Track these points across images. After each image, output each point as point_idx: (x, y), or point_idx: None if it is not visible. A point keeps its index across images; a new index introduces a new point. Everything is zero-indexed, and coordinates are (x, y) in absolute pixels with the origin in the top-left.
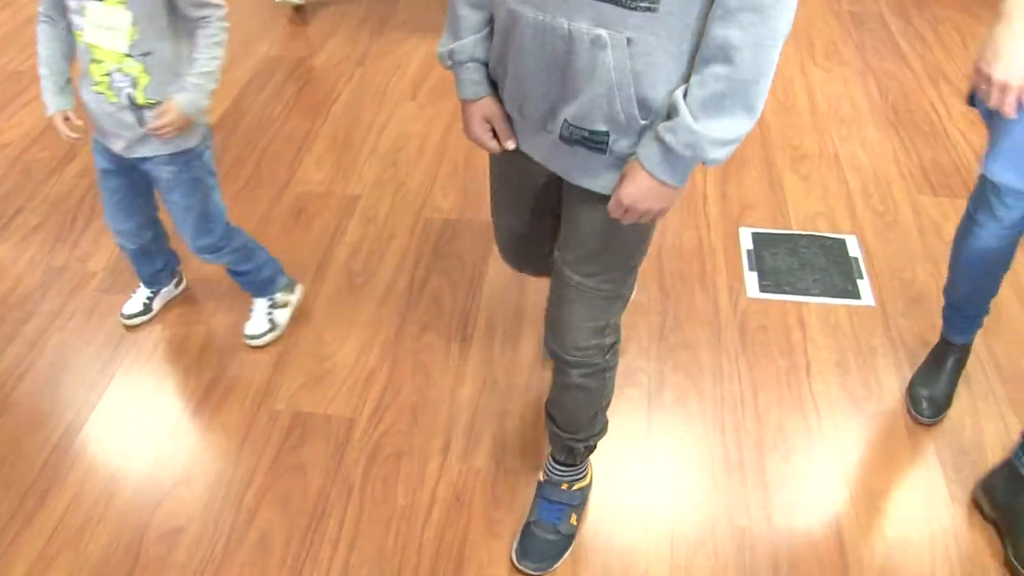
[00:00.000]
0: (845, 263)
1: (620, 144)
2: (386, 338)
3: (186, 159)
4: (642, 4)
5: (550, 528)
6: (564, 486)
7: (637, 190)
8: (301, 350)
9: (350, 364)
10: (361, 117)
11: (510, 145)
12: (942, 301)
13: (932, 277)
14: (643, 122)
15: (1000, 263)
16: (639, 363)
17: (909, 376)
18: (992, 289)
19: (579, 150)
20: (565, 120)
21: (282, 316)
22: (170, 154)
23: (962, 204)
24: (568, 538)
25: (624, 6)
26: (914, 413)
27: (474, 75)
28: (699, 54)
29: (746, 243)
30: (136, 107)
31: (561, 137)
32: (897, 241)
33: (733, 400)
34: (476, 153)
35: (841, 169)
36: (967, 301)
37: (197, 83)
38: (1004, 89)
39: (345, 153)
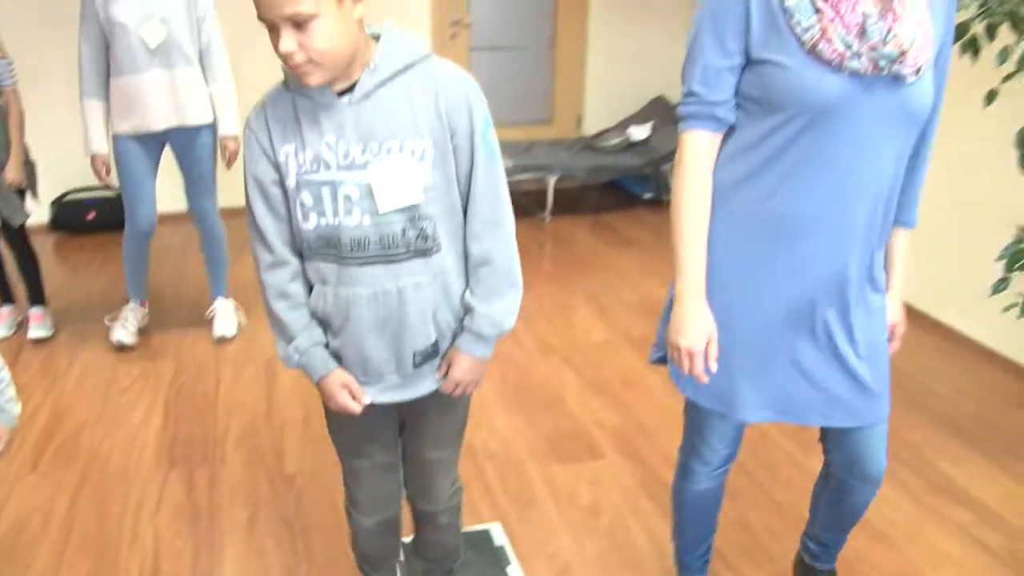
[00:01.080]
0: (492, 554)
1: (444, 345)
2: None
3: None
4: (434, 248)
5: None
6: None
7: (463, 370)
8: None
9: None
10: None
11: (367, 400)
12: (586, 569)
13: (575, 543)
14: (455, 324)
15: (718, 500)
16: None
17: None
18: (714, 525)
19: (423, 367)
20: (414, 353)
21: None
22: None
23: (589, 465)
24: None
25: (427, 255)
26: None
27: (321, 354)
28: (469, 264)
29: None
30: None
31: (414, 367)
32: (537, 519)
33: None
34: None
35: (477, 461)
36: (698, 541)
37: None
38: (691, 355)
39: None
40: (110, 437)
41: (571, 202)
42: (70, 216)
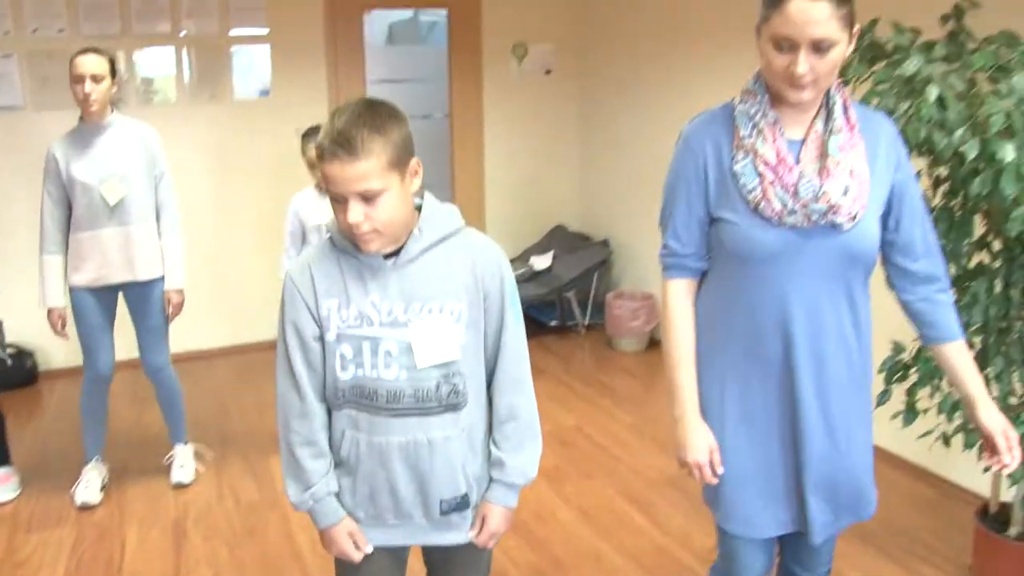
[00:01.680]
0: None
1: (473, 497)
2: None
3: None
4: (463, 403)
5: None
6: None
7: (497, 522)
8: None
9: None
10: None
11: (369, 549)
12: None
13: None
14: (482, 476)
15: None
16: None
17: None
18: None
19: (452, 516)
20: (441, 500)
21: None
22: None
23: None
24: None
25: (457, 409)
26: None
27: (333, 504)
28: (495, 417)
29: None
30: None
31: (441, 513)
32: None
33: None
34: None
35: None
36: None
37: None
38: (699, 467)
39: None
40: None
41: None
42: None
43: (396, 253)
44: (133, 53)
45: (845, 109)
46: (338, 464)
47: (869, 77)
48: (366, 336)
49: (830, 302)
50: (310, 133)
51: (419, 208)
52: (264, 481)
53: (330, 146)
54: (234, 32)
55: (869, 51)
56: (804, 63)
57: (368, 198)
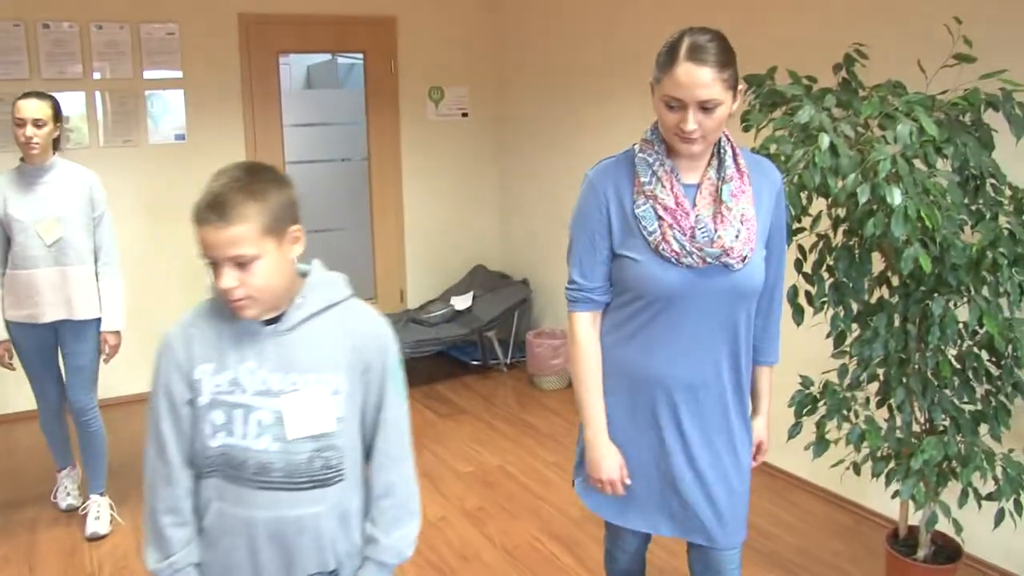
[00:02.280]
0: None
1: (344, 573)
2: None
3: None
4: (336, 478)
5: None
6: None
7: None
8: None
9: None
10: None
11: None
12: None
13: None
14: (354, 553)
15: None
16: None
17: None
18: None
19: None
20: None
21: None
22: None
23: None
24: None
25: (328, 485)
26: None
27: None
28: (372, 494)
29: None
30: None
31: None
32: None
33: None
34: None
35: None
36: None
37: None
38: (611, 483)
39: None
40: None
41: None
42: None
43: (277, 320)
44: None
45: (735, 157)
46: (200, 532)
47: (768, 124)
48: (238, 403)
49: (713, 335)
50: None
51: (305, 275)
52: None
53: (203, 211)
54: (148, 75)
55: (769, 98)
56: (692, 121)
57: (242, 264)
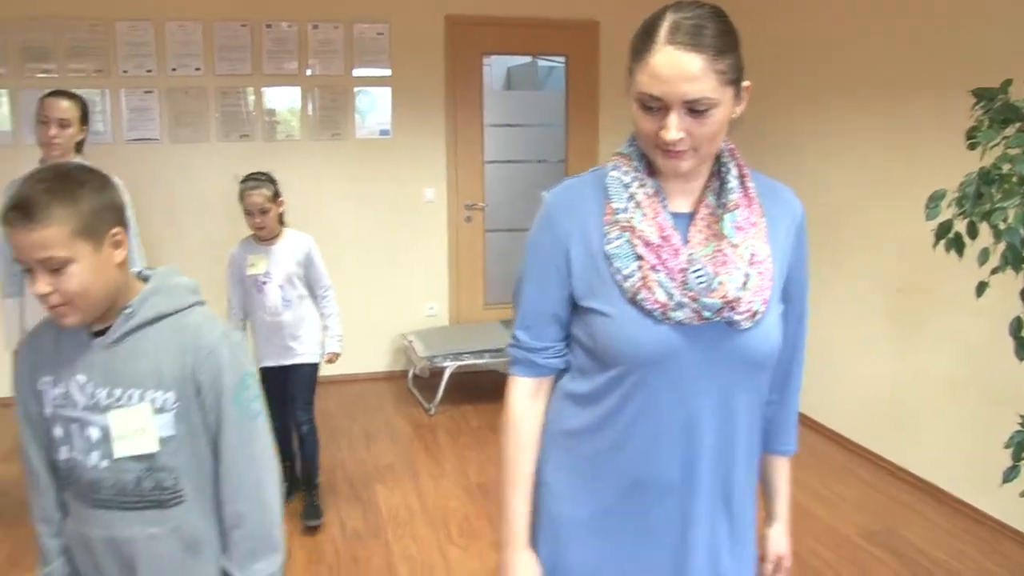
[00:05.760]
0: None
1: None
2: None
3: None
4: (173, 500)
5: None
6: None
7: None
8: None
9: None
10: None
11: None
12: None
13: None
14: None
15: None
16: None
17: None
18: None
19: None
20: None
21: None
22: None
23: None
24: None
25: (164, 507)
26: None
27: None
28: (223, 525)
29: None
30: None
31: None
32: None
33: None
34: None
35: None
36: None
37: None
38: None
39: None
40: None
41: None
42: None
43: (106, 331)
44: (262, 89)
45: (742, 179)
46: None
47: (1001, 142)
48: (73, 418)
49: (730, 418)
50: (247, 179)
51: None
52: (370, 509)
53: (9, 212)
54: (357, 72)
55: (1001, 113)
56: (676, 128)
57: (54, 268)
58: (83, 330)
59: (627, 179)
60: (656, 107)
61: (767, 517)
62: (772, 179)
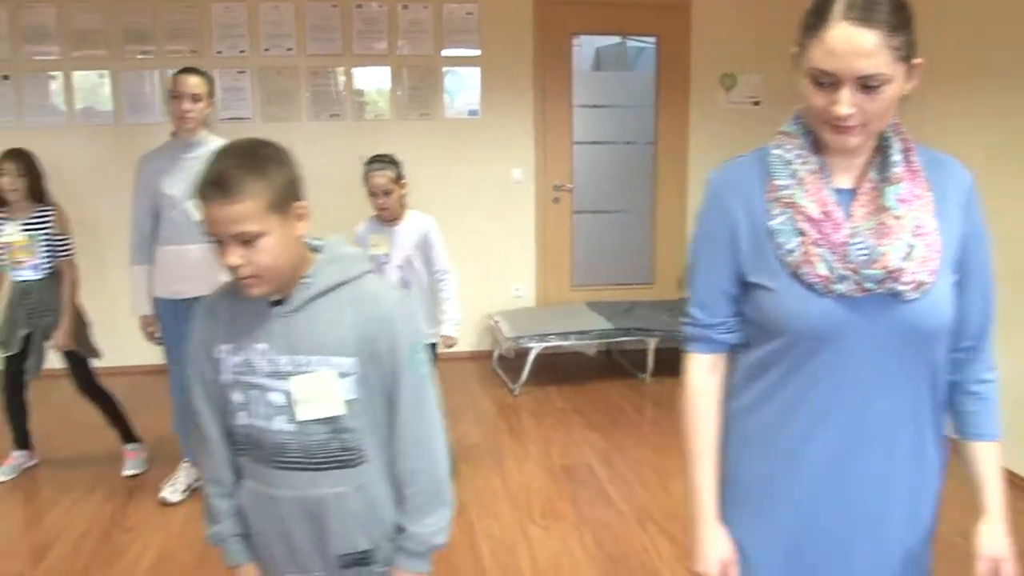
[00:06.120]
0: None
1: (380, 554)
2: None
3: None
4: (358, 459)
5: None
6: None
7: None
8: None
9: None
10: None
11: None
12: None
13: None
14: (390, 534)
15: None
16: None
17: None
18: None
19: (358, 570)
20: (338, 555)
21: None
22: None
23: None
24: None
25: (350, 466)
26: None
27: (236, 547)
28: (397, 481)
29: None
30: None
31: (342, 567)
32: None
33: None
34: None
35: None
36: None
37: None
38: None
39: None
40: None
41: (671, 364)
42: None
43: (285, 300)
44: (352, 69)
45: (906, 153)
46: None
47: None
48: (253, 384)
49: (887, 396)
50: (372, 161)
51: (318, 252)
52: (453, 487)
53: (205, 188)
54: (446, 53)
55: None
56: (848, 103)
57: (246, 241)
58: (261, 300)
59: (790, 156)
60: (828, 82)
61: (981, 514)
62: (938, 152)
